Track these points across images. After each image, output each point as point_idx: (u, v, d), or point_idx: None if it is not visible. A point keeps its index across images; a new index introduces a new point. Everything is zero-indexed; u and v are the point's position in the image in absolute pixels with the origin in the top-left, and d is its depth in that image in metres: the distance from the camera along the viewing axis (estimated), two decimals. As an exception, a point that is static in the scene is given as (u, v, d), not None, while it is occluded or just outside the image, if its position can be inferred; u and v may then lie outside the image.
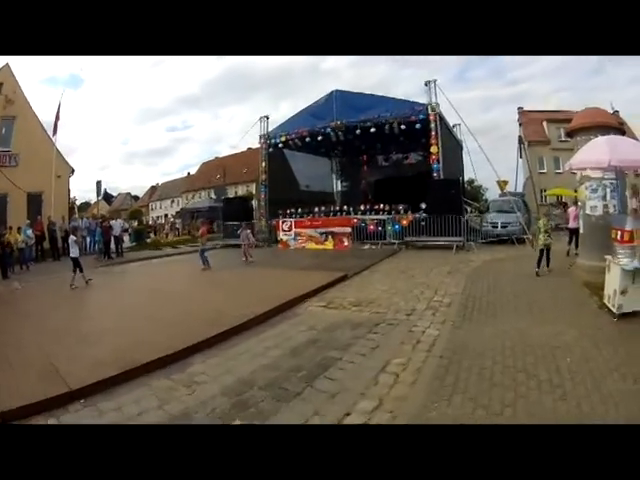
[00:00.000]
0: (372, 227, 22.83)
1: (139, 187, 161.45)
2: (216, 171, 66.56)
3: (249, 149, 54.83)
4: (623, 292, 7.68)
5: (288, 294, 10.90)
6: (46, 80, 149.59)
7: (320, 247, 23.36)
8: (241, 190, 65.02)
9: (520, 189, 34.96)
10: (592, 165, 9.36)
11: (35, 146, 25.28)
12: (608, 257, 8.43)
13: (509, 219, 21.90)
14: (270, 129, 29.57)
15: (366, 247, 21.87)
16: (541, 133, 46.95)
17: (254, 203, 35.10)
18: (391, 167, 34.86)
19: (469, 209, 23.73)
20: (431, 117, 22.80)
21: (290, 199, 28.25)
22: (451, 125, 28.79)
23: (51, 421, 5.11)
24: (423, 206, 21.99)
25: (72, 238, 15.01)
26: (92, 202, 70.45)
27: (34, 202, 25.40)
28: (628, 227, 7.97)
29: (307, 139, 27.36)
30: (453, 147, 27.94)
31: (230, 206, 30.56)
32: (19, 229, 21.05)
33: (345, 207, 26.43)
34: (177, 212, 65.89)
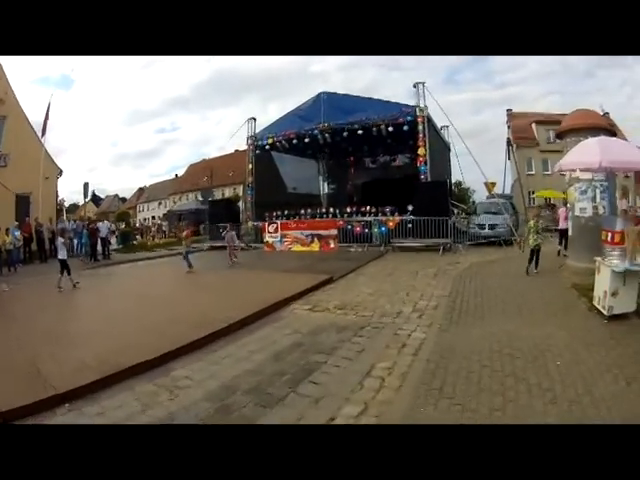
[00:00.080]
0: (358, 229, 22.72)
1: (127, 189, 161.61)
2: (203, 173, 66.29)
3: (236, 151, 54.83)
4: (614, 294, 7.60)
5: (273, 297, 10.74)
6: (38, 80, 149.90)
7: (306, 249, 23.22)
8: (228, 192, 64.92)
9: (508, 191, 35.09)
10: (582, 166, 9.25)
11: (24, 147, 24.94)
12: (598, 259, 8.35)
13: (497, 221, 21.86)
14: (258, 131, 29.41)
15: (352, 249, 21.76)
16: (530, 135, 47.30)
17: (241, 205, 34.90)
18: (378, 169, 34.79)
19: (456, 211, 23.71)
20: (419, 119, 22.74)
21: (277, 201, 28.12)
22: (439, 127, 28.77)
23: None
24: (410, 208, 21.89)
25: (60, 240, 14.89)
26: (80, 204, 70.07)
27: (22, 203, 25.01)
28: (618, 228, 7.88)
29: (294, 141, 27.24)
30: (441, 149, 27.98)
31: (216, 208, 30.54)
32: (7, 230, 20.69)
33: (332, 209, 26.27)
34: (164, 214, 65.57)
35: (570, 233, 12.31)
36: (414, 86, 23.12)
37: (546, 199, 36.41)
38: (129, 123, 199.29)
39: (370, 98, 26.00)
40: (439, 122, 27.93)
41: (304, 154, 32.59)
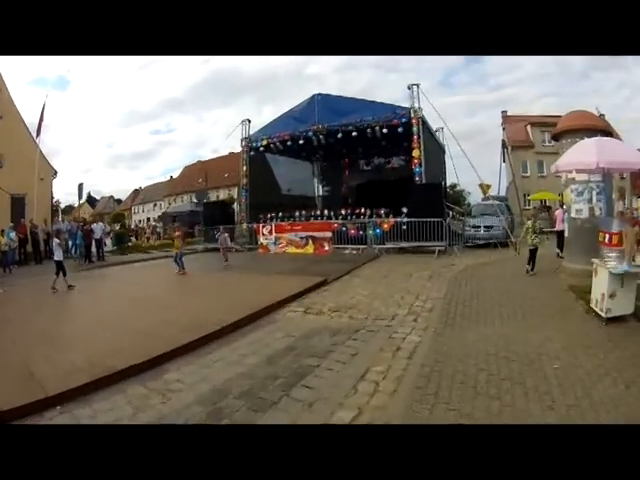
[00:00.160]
0: (353, 231, 22.57)
1: (122, 190, 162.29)
2: (198, 175, 66.39)
3: (231, 153, 54.77)
4: (611, 296, 7.51)
5: (266, 300, 10.63)
6: (34, 81, 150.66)
7: (300, 251, 23.12)
8: (223, 194, 65.03)
9: (503, 193, 35.13)
10: (579, 167, 9.20)
11: (19, 147, 24.85)
12: (595, 260, 8.27)
13: (492, 223, 21.86)
14: (252, 133, 29.32)
15: (347, 251, 21.66)
16: (525, 137, 47.38)
17: (236, 207, 34.79)
18: (373, 171, 34.84)
19: (451, 213, 23.64)
20: (413, 121, 22.67)
21: (271, 203, 28.05)
22: (434, 129, 28.76)
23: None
24: (405, 210, 21.83)
25: (56, 241, 14.79)
26: (76, 205, 70.06)
27: (17, 204, 24.94)
28: (615, 230, 7.81)
29: (288, 143, 27.17)
30: (435, 151, 27.90)
31: (210, 210, 30.53)
32: (2, 232, 20.62)
33: (326, 211, 26.25)
34: (159, 216, 65.46)
35: (566, 235, 12.25)
36: (408, 88, 23.06)
37: (541, 201, 36.46)
38: (125, 124, 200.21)
39: (364, 100, 25.98)
40: (434, 124, 27.99)
41: (299, 156, 32.55)
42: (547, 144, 41.31)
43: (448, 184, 33.00)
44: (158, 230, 47.55)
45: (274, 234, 24.72)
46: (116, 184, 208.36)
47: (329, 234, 22.72)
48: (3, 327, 9.40)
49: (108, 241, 31.72)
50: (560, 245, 14.77)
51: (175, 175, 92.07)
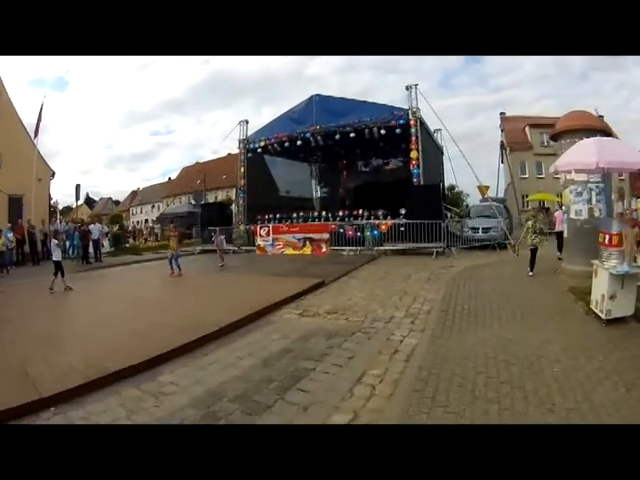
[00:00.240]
0: (351, 233, 22.62)
1: (121, 192, 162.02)
2: (197, 176, 66.33)
3: (229, 154, 54.74)
4: (612, 297, 7.44)
5: (263, 301, 10.55)
6: (33, 82, 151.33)
7: (298, 253, 23.13)
8: (221, 195, 65.18)
9: (502, 194, 35.09)
10: (579, 167, 9.10)
11: (17, 148, 24.82)
12: (595, 261, 8.20)
13: (490, 224, 21.73)
14: (250, 134, 29.28)
15: (345, 253, 21.65)
16: (523, 138, 47.47)
17: (234, 208, 34.73)
18: (371, 173, 34.84)
19: (449, 214, 23.59)
20: (411, 122, 22.68)
21: (269, 205, 28.02)
22: (432, 131, 28.72)
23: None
24: (402, 212, 21.84)
25: (54, 241, 14.78)
26: (75, 206, 70.23)
27: (15, 205, 24.94)
28: (614, 231, 7.73)
29: (286, 144, 27.15)
30: (434, 152, 27.95)
31: (208, 211, 30.53)
32: (0, 232, 20.55)
33: (324, 213, 26.26)
34: (157, 217, 65.43)
35: (565, 235, 12.18)
36: (407, 89, 23.05)
37: (540, 202, 36.44)
38: (124, 125, 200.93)
39: (363, 101, 26.01)
40: (432, 125, 27.96)
41: (296, 157, 32.54)
42: (546, 145, 41.46)
43: (446, 186, 32.96)
44: (156, 231, 47.51)
45: (271, 235, 24.75)
46: (115, 185, 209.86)
47: (327, 235, 22.75)
48: (1, 328, 9.35)
49: (106, 242, 31.70)
50: (560, 246, 14.72)
51: (173, 176, 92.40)
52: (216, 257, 19.82)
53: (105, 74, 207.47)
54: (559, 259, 14.56)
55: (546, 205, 33.70)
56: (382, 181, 30.74)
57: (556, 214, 17.30)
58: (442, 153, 30.99)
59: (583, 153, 8.85)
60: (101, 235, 26.36)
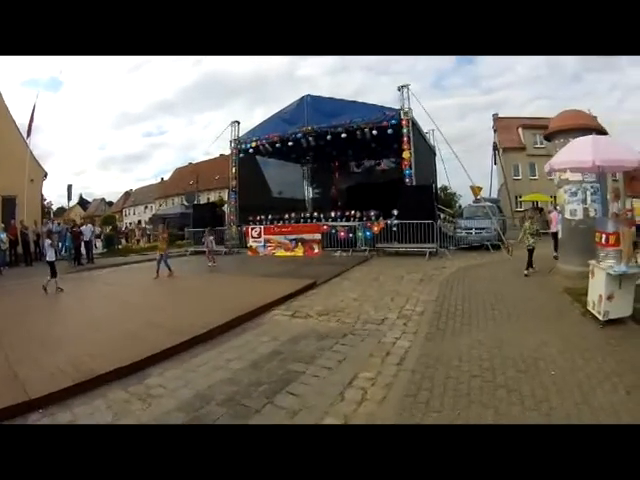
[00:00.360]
0: (343, 234, 22.52)
1: (114, 193, 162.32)
2: (189, 177, 66.44)
3: (222, 155, 54.74)
4: (609, 298, 7.35)
5: (253, 302, 10.42)
6: (26, 82, 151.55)
7: (290, 254, 22.98)
8: (214, 196, 65.25)
9: (495, 195, 35.16)
10: (575, 165, 8.99)
11: (10, 148, 24.72)
12: (592, 262, 8.10)
13: (483, 225, 21.71)
14: (241, 134, 29.20)
15: (337, 254, 21.54)
16: (516, 139, 47.67)
17: (226, 209, 34.62)
18: (363, 174, 34.90)
19: (442, 215, 23.52)
20: (403, 122, 22.63)
21: (261, 205, 28.00)
22: (425, 131, 28.68)
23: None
24: (395, 212, 21.76)
25: (47, 242, 14.75)
26: (68, 207, 70.48)
27: (8, 206, 24.94)
28: (610, 231, 7.62)
29: (278, 145, 27.10)
30: (426, 153, 27.95)
31: (200, 212, 30.34)
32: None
33: (316, 214, 26.28)
34: (150, 218, 65.39)
35: (560, 236, 12.09)
36: (399, 89, 22.99)
37: (533, 203, 36.49)
38: (117, 126, 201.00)
39: (354, 101, 25.95)
40: (424, 126, 27.93)
41: (288, 158, 32.53)
42: (539, 146, 41.62)
43: (439, 187, 32.94)
44: (148, 232, 47.44)
45: (263, 236, 24.64)
46: (108, 186, 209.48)
47: (318, 236, 22.65)
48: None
49: (99, 243, 31.59)
50: (556, 246, 14.72)
51: (166, 177, 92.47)
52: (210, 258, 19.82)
53: (98, 75, 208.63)
54: (555, 258, 14.52)
55: (539, 205, 33.69)
56: (374, 182, 30.74)
57: (552, 215, 17.27)
58: (434, 154, 31.00)
59: (579, 151, 8.72)
60: (93, 236, 26.22)
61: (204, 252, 22.48)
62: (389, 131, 22.97)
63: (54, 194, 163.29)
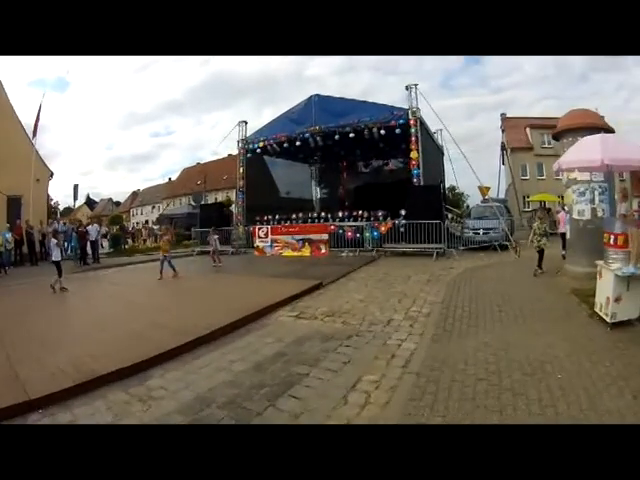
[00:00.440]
0: (350, 234, 22.48)
1: (121, 193, 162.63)
2: (197, 177, 66.59)
3: (229, 155, 54.78)
4: (617, 299, 7.24)
5: (258, 303, 10.38)
6: (34, 82, 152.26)
7: (297, 254, 22.94)
8: (221, 196, 65.29)
9: (503, 195, 35.00)
10: (583, 164, 8.89)
11: (16, 148, 24.80)
12: (600, 262, 7.98)
13: (491, 225, 21.60)
14: (249, 134, 29.16)
15: (344, 254, 21.47)
16: (524, 139, 47.43)
17: (234, 209, 34.60)
18: (371, 174, 34.78)
19: (450, 215, 23.41)
20: (411, 122, 22.51)
21: (269, 205, 27.95)
22: (432, 131, 28.55)
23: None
24: (402, 212, 21.65)
25: (53, 241, 14.74)
26: (74, 207, 70.81)
27: (14, 205, 25.06)
28: (618, 231, 7.53)
29: (285, 144, 27.03)
30: (434, 153, 27.84)
31: (207, 212, 30.24)
32: (-2, 233, 20.76)
33: (323, 214, 26.21)
34: (157, 218, 65.50)
35: (568, 236, 11.99)
36: (407, 88, 22.87)
37: (540, 203, 36.31)
38: (124, 126, 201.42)
39: (362, 101, 25.91)
40: (432, 126, 27.82)
41: (296, 158, 32.48)
42: (546, 146, 41.42)
43: (447, 187, 32.80)
44: (155, 232, 47.51)
45: (270, 236, 24.61)
46: (115, 186, 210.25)
47: (325, 236, 22.61)
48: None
49: (105, 243, 31.62)
50: (565, 246, 14.63)
51: (174, 177, 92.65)
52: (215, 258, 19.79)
53: (105, 75, 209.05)
54: (563, 257, 14.42)
55: (547, 206, 33.52)
56: (382, 182, 30.63)
57: (559, 215, 17.17)
58: (442, 154, 30.87)
59: (587, 150, 8.61)
60: (99, 236, 26.25)
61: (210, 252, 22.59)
62: (397, 131, 22.86)
63: (61, 194, 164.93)
